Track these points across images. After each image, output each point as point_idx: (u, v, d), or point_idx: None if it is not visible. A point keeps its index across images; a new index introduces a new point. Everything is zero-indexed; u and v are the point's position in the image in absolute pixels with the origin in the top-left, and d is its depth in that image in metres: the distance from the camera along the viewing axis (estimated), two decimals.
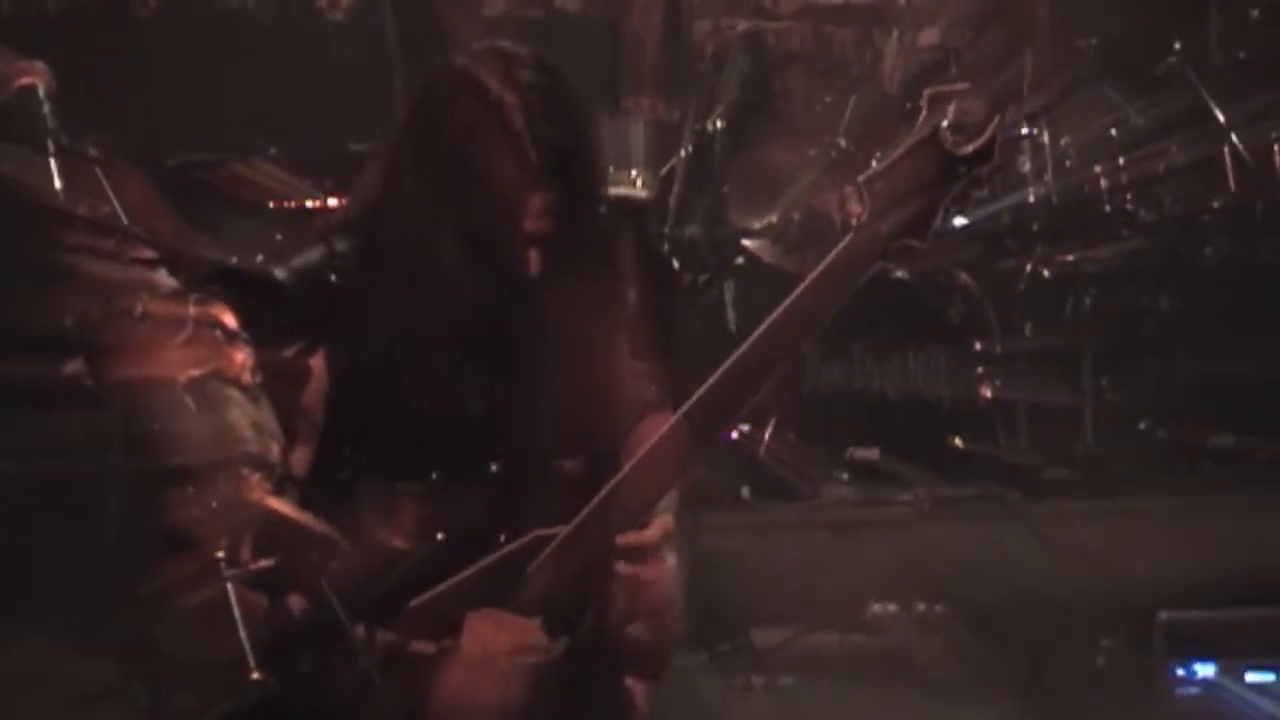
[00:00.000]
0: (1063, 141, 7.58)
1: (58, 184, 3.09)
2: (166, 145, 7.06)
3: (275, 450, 2.86)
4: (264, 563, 2.75)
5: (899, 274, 7.09)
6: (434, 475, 2.99)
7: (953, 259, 7.27)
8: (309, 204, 6.93)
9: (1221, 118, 7.49)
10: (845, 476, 7.04)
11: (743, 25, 8.02)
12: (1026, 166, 7.50)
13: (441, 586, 2.95)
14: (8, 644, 5.70)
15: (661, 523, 2.98)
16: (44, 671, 5.65)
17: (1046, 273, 7.40)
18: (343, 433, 3.00)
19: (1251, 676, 4.94)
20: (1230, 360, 7.15)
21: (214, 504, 2.75)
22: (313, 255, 3.06)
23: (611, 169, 6.91)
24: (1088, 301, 7.32)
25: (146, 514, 2.80)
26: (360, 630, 2.86)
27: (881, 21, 8.32)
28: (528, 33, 7.59)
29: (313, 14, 8.15)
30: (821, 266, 2.91)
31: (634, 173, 7.45)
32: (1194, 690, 4.96)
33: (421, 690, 2.93)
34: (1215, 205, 7.51)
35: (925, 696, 5.73)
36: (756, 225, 7.76)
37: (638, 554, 2.95)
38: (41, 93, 3.16)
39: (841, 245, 2.91)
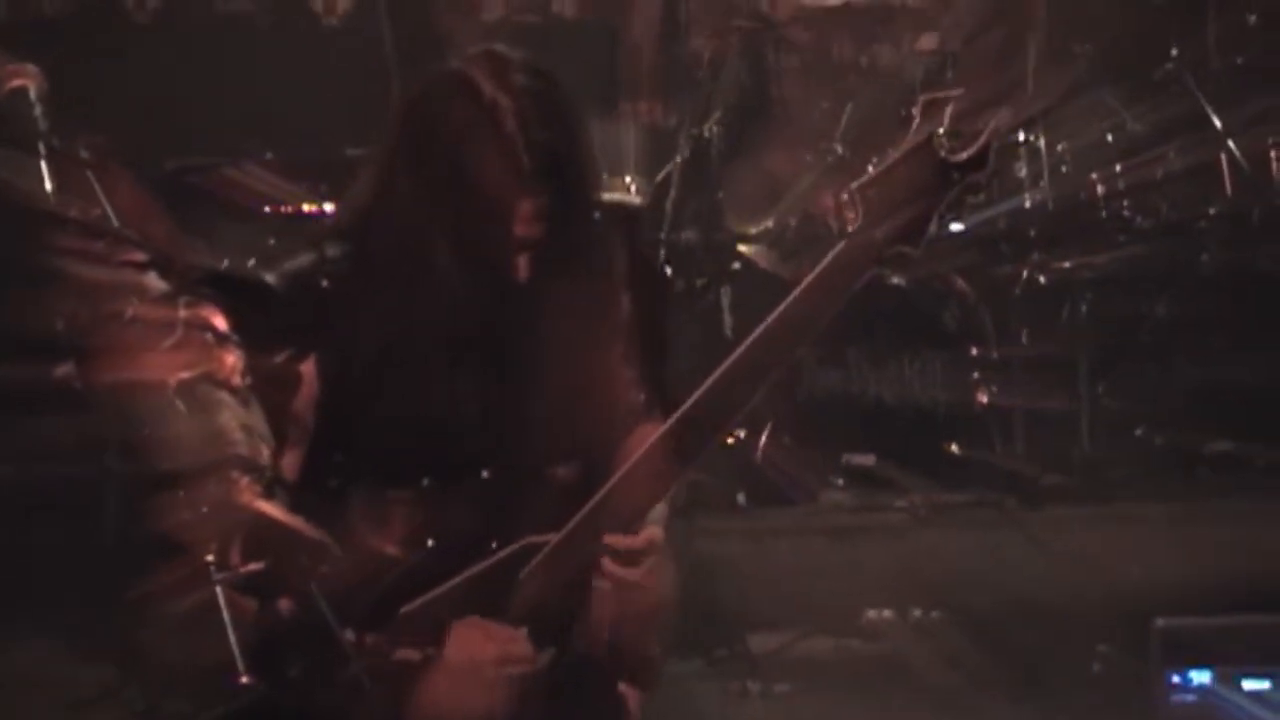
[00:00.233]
0: (1059, 147, 7.57)
1: (48, 187, 3.07)
2: (164, 149, 7.06)
3: (265, 453, 2.84)
4: (254, 566, 2.74)
5: (895, 280, 7.09)
6: (425, 481, 2.98)
7: (949, 264, 7.26)
8: (305, 208, 6.91)
9: (1219, 123, 7.49)
10: (841, 482, 7.03)
11: (740, 30, 8.00)
12: (1023, 172, 7.50)
13: (432, 593, 2.94)
14: (5, 646, 5.70)
15: (650, 533, 2.97)
16: (41, 674, 5.65)
17: (1043, 278, 7.39)
18: (333, 438, 2.99)
19: (1248, 684, 4.93)
20: (1227, 366, 7.15)
21: (204, 507, 2.74)
22: (304, 260, 3.04)
23: (606, 174, 6.89)
24: (1084, 307, 7.31)
25: (142, 516, 2.79)
26: (350, 635, 2.85)
27: (879, 26, 8.31)
28: (525, 38, 7.58)
29: (309, 19, 8.16)
30: (815, 273, 2.90)
31: (629, 178, 7.44)
32: (1190, 697, 4.95)
33: (409, 697, 2.92)
34: (1212, 211, 7.51)
35: (922, 702, 5.72)
36: (753, 230, 7.75)
37: (625, 556, 2.94)
38: (33, 95, 3.14)
39: (835, 252, 2.89)
